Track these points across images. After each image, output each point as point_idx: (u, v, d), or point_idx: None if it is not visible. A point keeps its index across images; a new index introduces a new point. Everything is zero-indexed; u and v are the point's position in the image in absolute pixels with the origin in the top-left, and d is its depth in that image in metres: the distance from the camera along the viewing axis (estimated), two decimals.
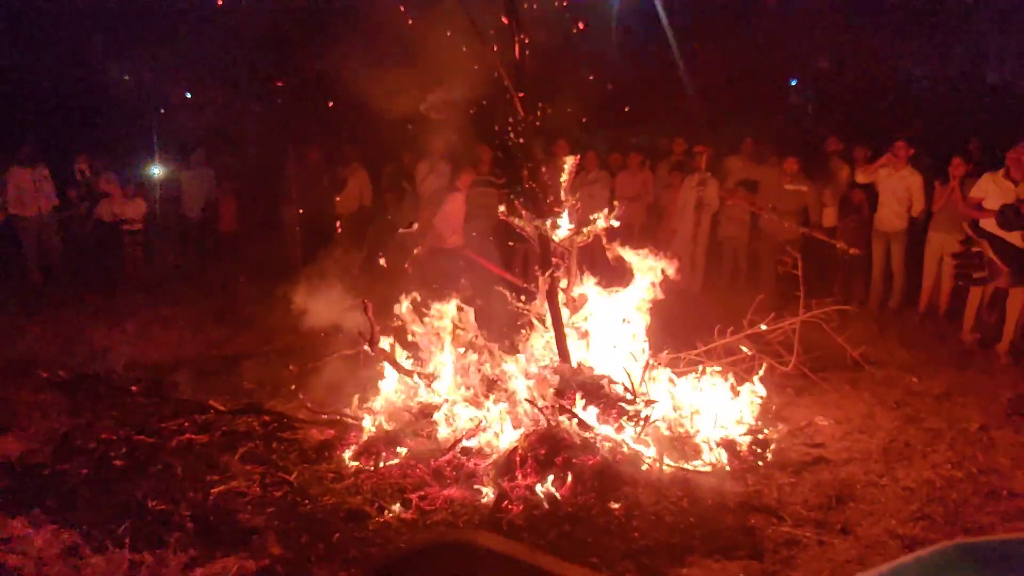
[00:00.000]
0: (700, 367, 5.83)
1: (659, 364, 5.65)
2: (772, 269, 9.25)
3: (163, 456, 4.88)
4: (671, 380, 5.60)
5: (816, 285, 7.90)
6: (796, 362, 6.33)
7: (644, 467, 4.71)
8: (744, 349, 6.23)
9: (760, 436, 5.28)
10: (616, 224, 5.57)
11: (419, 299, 5.81)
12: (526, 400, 5.05)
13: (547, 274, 5.43)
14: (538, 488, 4.41)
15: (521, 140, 5.33)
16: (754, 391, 5.59)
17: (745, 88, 13.20)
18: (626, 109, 11.33)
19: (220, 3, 10.57)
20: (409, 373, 5.57)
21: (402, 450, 4.95)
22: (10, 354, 7.07)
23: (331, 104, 9.09)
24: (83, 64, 13.98)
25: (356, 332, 5.67)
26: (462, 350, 5.60)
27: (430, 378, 5.53)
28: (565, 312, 5.56)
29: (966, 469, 4.78)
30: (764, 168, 9.90)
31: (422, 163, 10.17)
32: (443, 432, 5.10)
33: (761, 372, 5.76)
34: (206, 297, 9.64)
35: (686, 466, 4.81)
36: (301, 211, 10.74)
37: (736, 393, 5.55)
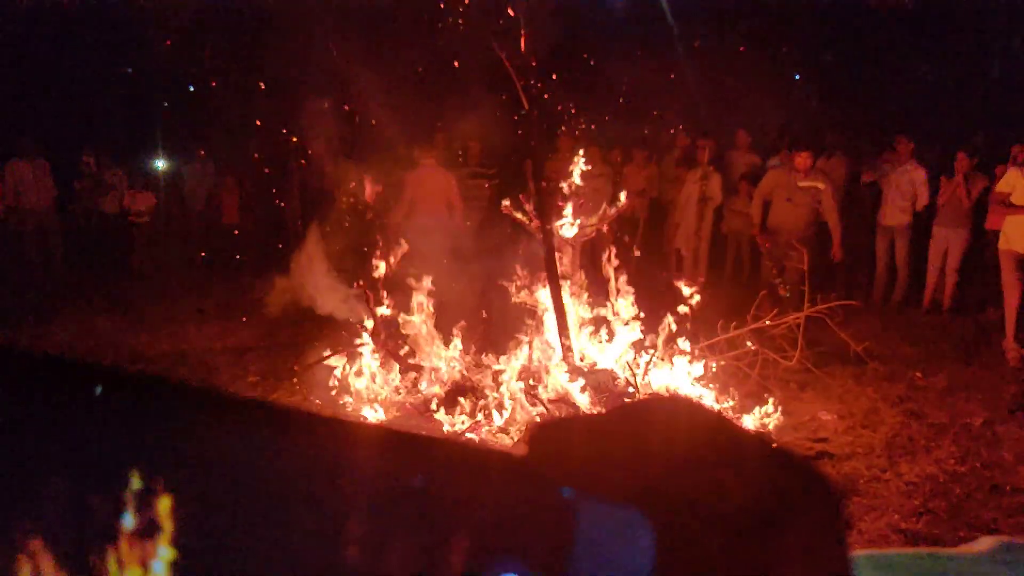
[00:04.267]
0: (703, 361, 5.82)
1: (662, 358, 5.64)
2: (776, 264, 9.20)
3: None
4: (673, 373, 5.59)
5: (820, 280, 7.87)
6: (799, 357, 6.32)
7: None
8: (748, 344, 6.22)
9: (763, 430, 5.28)
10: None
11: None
12: (528, 393, 5.05)
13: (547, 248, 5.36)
14: None
15: (524, 133, 5.32)
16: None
17: (748, 82, 13.14)
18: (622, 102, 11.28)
19: None
20: (411, 367, 5.57)
21: None
22: (13, 347, 7.07)
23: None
24: (89, 58, 13.96)
25: (358, 324, 5.66)
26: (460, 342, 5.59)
27: (431, 371, 5.52)
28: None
29: (970, 464, 4.78)
30: (777, 170, 9.75)
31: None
32: (444, 425, 5.09)
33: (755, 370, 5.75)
34: (209, 290, 9.65)
35: None
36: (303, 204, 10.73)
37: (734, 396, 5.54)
